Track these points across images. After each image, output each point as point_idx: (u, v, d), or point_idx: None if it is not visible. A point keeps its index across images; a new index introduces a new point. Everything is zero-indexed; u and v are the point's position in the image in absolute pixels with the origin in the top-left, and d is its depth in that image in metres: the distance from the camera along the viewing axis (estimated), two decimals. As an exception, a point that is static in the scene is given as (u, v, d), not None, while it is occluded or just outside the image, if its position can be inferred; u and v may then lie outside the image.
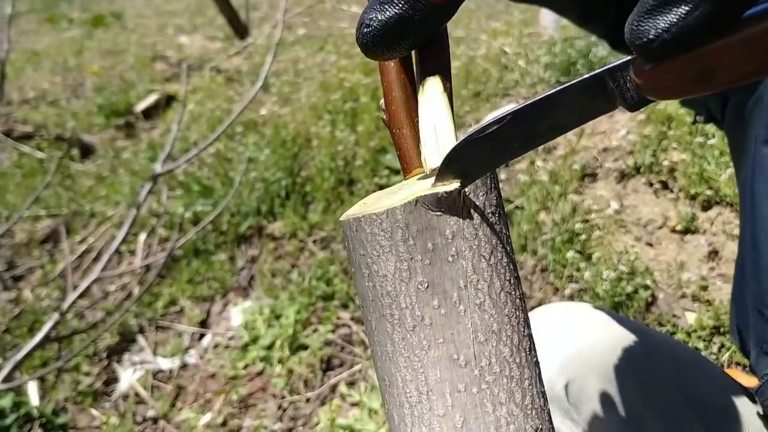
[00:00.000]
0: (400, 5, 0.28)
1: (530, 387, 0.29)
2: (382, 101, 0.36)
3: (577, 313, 0.76)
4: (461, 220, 0.28)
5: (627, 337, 0.71)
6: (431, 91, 0.30)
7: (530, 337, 0.30)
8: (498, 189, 0.31)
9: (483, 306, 0.28)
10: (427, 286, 0.28)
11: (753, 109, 0.57)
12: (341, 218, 0.31)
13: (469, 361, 0.28)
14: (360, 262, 0.30)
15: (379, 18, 0.28)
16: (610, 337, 0.71)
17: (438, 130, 0.30)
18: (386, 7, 0.28)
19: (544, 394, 0.30)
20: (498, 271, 0.29)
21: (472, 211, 0.29)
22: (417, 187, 0.30)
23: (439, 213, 0.28)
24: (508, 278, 0.30)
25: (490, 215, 0.29)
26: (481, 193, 0.29)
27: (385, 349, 0.29)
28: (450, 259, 0.28)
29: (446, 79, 0.30)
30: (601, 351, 0.70)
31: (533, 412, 0.29)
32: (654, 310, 1.46)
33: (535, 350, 0.30)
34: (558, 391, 0.70)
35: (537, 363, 0.30)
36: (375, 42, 0.29)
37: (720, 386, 0.69)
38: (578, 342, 0.72)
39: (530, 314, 0.79)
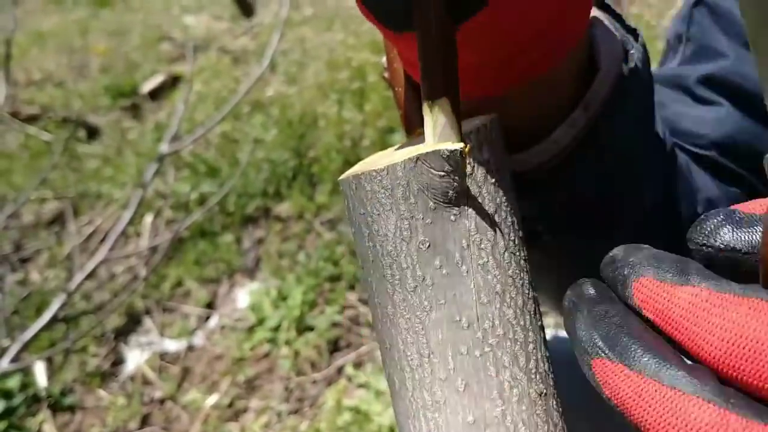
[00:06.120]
0: None
1: (534, 350, 0.28)
2: (383, 59, 0.35)
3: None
4: (464, 178, 0.27)
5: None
6: (440, 115, 0.27)
7: (535, 299, 0.29)
8: (503, 146, 0.29)
9: (486, 266, 0.27)
10: (429, 246, 0.27)
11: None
12: (341, 177, 0.30)
13: (472, 322, 0.27)
14: (360, 221, 0.29)
15: None
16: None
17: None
18: None
19: (548, 358, 0.29)
20: (502, 230, 0.28)
21: (475, 168, 0.28)
22: (419, 145, 0.29)
23: (442, 172, 0.26)
24: (512, 238, 0.28)
25: (494, 173, 0.28)
26: (485, 150, 0.28)
27: (385, 310, 0.28)
28: (452, 217, 0.27)
29: (455, 98, 0.27)
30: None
31: (537, 376, 0.28)
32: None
33: (539, 313, 0.29)
34: None
35: (542, 327, 0.29)
36: None
37: None
38: None
39: None
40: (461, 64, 0.27)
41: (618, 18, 0.37)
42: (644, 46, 0.35)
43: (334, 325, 1.65)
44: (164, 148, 1.82)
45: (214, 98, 2.67)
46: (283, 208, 2.05)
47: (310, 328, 1.66)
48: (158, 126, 2.67)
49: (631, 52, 0.34)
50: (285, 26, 2.10)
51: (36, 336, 1.62)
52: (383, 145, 2.08)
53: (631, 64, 0.34)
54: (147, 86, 3.03)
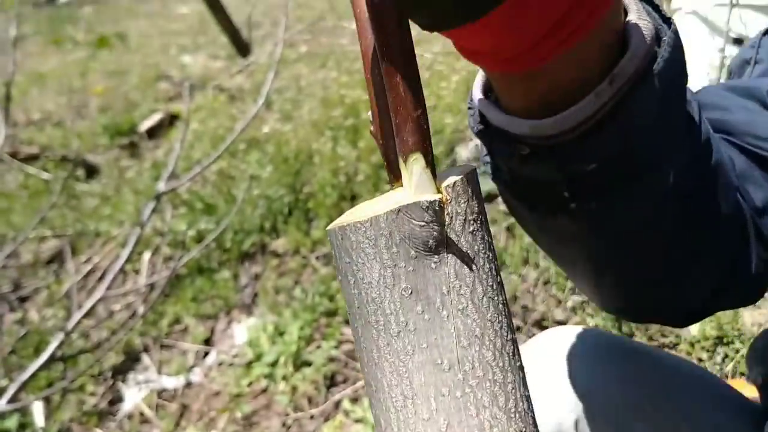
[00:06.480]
0: None
1: (513, 390, 0.29)
2: (369, 113, 0.37)
3: (592, 343, 0.72)
4: (443, 227, 0.29)
5: (640, 374, 0.69)
6: (414, 168, 0.30)
7: (514, 341, 0.31)
8: (480, 196, 0.31)
9: (466, 311, 0.29)
10: (411, 292, 0.29)
11: None
12: (328, 228, 0.31)
13: (453, 365, 0.28)
14: (346, 269, 0.30)
15: None
16: (623, 374, 0.69)
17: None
18: None
19: (528, 398, 0.30)
20: (480, 276, 0.30)
21: (453, 218, 0.29)
22: (402, 196, 0.31)
23: (422, 222, 0.28)
24: (490, 284, 0.30)
25: (471, 222, 0.30)
26: (462, 201, 0.30)
27: (371, 354, 0.30)
28: (433, 265, 0.29)
29: (428, 152, 0.30)
30: (611, 391, 0.68)
31: (516, 415, 0.29)
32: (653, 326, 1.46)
33: (519, 355, 0.31)
34: (566, 429, 0.67)
35: (521, 367, 0.31)
36: None
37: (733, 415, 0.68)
38: (590, 378, 0.69)
39: (547, 333, 0.77)
40: (494, 44, 0.31)
41: (654, 6, 0.40)
42: (677, 33, 0.38)
43: (331, 360, 1.65)
44: (161, 186, 1.84)
45: (211, 136, 2.70)
46: (280, 244, 2.06)
47: (308, 363, 1.66)
48: (156, 164, 2.70)
49: (664, 38, 0.37)
50: (280, 64, 2.14)
51: (34, 375, 1.62)
52: (377, 180, 2.10)
53: (663, 49, 0.37)
54: (145, 125, 3.06)
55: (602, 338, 0.74)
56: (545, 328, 1.55)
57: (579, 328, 0.75)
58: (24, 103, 3.63)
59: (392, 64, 0.28)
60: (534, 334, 1.55)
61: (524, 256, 1.71)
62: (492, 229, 1.81)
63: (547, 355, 0.72)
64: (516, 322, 1.59)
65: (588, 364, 0.70)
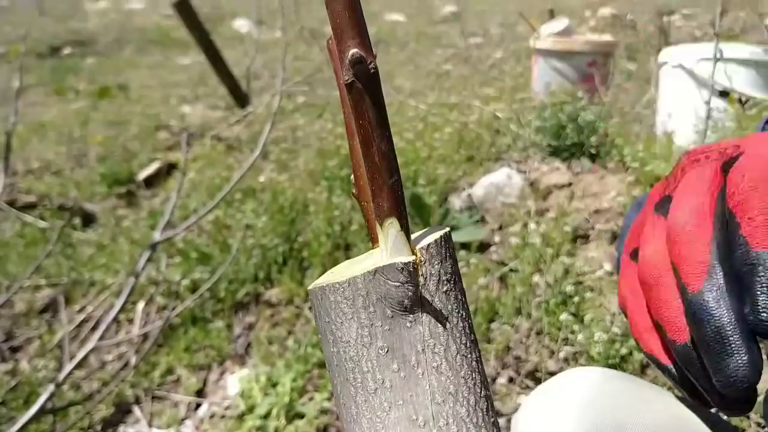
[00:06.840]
0: None
1: (486, 446, 0.30)
2: (352, 176, 0.39)
3: (619, 385, 0.73)
4: (418, 288, 0.30)
5: (667, 420, 0.69)
6: (390, 231, 0.31)
7: (487, 397, 0.32)
8: (454, 257, 0.33)
9: (440, 369, 0.30)
10: (387, 351, 0.30)
11: None
12: (309, 288, 0.33)
13: (428, 421, 0.30)
14: (325, 328, 0.32)
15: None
16: (652, 419, 0.69)
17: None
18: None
19: (501, 453, 0.31)
20: (453, 335, 0.31)
21: (428, 279, 0.31)
22: (379, 257, 0.32)
23: (397, 283, 0.30)
24: (464, 342, 0.31)
25: (445, 282, 0.31)
26: (436, 263, 0.31)
27: (349, 411, 0.31)
28: (408, 324, 0.30)
29: (402, 216, 0.32)
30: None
31: (489, 471, 0.30)
32: (649, 372, 1.45)
33: (493, 410, 0.32)
34: None
35: (495, 423, 0.32)
36: None
37: None
38: (616, 417, 0.67)
39: (566, 374, 0.77)
40: None
41: None
42: None
43: (324, 412, 1.64)
44: (157, 236, 1.86)
45: (208, 185, 2.73)
46: (274, 294, 2.06)
47: (300, 415, 1.64)
48: (153, 213, 2.71)
49: None
50: (277, 115, 2.18)
51: (23, 428, 1.60)
52: (373, 230, 2.12)
53: None
54: (143, 174, 3.10)
55: (630, 380, 0.73)
56: (538, 379, 1.55)
57: (602, 370, 0.74)
58: (24, 152, 3.67)
59: (367, 136, 0.30)
60: (527, 386, 1.55)
61: (517, 306, 1.71)
62: (484, 280, 1.82)
63: (572, 395, 0.71)
64: (509, 373, 1.59)
65: (623, 402, 0.69)
